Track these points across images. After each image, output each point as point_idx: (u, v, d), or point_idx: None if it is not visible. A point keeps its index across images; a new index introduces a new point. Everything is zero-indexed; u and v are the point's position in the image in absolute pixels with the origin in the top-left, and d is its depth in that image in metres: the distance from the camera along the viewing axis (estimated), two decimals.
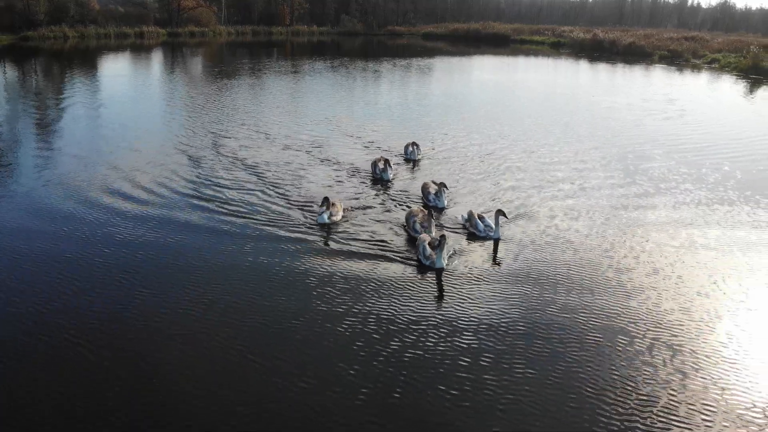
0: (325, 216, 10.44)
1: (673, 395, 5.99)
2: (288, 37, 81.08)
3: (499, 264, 9.06)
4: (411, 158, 15.39)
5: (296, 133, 18.69)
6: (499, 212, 9.61)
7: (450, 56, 56.24)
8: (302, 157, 15.59)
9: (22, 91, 28.47)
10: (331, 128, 19.72)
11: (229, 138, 17.90)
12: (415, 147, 15.49)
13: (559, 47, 67.80)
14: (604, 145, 17.90)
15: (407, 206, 11.30)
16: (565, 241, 10.02)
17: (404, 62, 47.18)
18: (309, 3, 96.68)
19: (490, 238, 9.66)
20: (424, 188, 11.67)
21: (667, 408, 5.79)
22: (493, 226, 9.68)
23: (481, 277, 8.58)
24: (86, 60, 44.37)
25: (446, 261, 8.73)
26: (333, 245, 9.71)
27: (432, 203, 11.30)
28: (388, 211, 11.36)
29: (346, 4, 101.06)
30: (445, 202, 11.34)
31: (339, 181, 13.37)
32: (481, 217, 9.88)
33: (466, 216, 10.22)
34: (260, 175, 13.77)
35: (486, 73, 42.35)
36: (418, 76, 38.45)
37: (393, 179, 13.40)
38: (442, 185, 11.46)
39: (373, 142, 17.55)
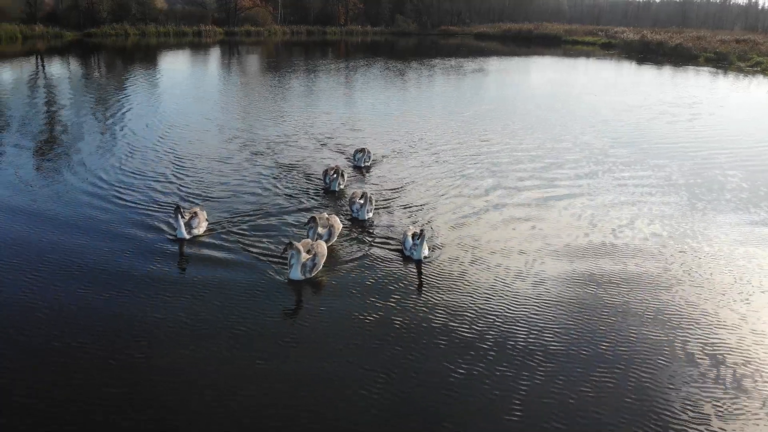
0: (184, 230, 9.41)
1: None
2: (342, 36, 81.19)
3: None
4: (359, 165, 14.34)
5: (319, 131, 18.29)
6: (420, 233, 8.92)
7: (495, 56, 55.13)
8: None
9: (85, 84, 29.09)
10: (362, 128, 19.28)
11: (275, 136, 17.65)
12: (363, 153, 14.45)
13: (609, 48, 66.21)
14: (567, 141, 17.84)
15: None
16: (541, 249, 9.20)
17: (451, 63, 46.52)
18: (364, 3, 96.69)
19: (413, 259, 8.96)
20: (350, 198, 10.95)
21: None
22: (415, 246, 8.92)
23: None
24: (145, 57, 45.27)
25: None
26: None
27: (354, 214, 10.62)
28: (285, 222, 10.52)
29: (401, 4, 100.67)
30: (366, 215, 10.56)
31: (286, 191, 12.31)
32: (414, 235, 9.09)
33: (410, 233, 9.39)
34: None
35: (515, 74, 41.58)
36: (446, 79, 37.65)
37: (342, 188, 12.38)
38: (364, 195, 10.66)
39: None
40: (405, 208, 11.35)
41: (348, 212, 10.81)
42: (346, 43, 68.60)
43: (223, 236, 9.70)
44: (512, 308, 7.60)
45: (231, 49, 55.06)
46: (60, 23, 60.09)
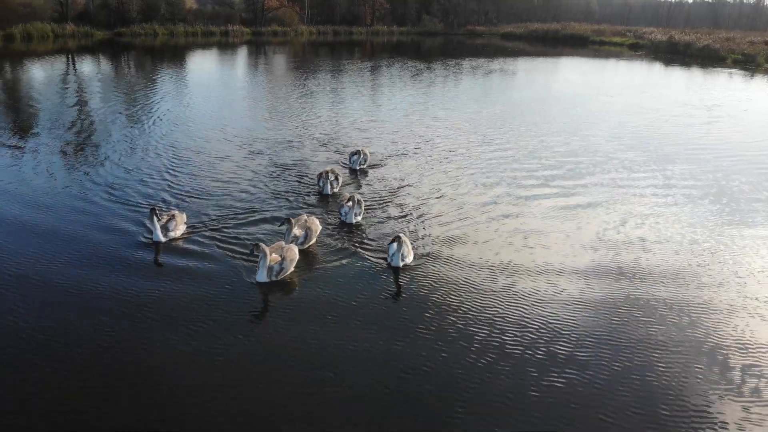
0: (160, 233, 9.32)
1: None
2: (368, 37, 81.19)
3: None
4: (354, 168, 13.91)
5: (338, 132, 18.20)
6: (396, 239, 8.66)
7: (519, 57, 54.65)
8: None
9: (114, 82, 29.47)
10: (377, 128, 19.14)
11: (299, 135, 17.63)
12: (358, 155, 13.96)
13: (636, 49, 65.24)
14: (563, 139, 17.92)
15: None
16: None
17: (473, 63, 46.17)
18: (390, 3, 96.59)
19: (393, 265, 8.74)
20: (340, 202, 10.83)
21: None
22: (396, 252, 8.67)
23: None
24: (173, 56, 45.74)
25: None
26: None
27: (343, 218, 10.49)
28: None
29: (427, 4, 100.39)
30: (354, 219, 10.37)
31: (279, 193, 12.22)
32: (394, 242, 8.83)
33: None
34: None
35: (536, 74, 41.22)
36: (466, 79, 37.30)
37: (336, 192, 12.18)
38: (351, 199, 10.46)
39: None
40: (400, 213, 11.18)
41: (338, 216, 10.70)
42: (372, 44, 68.58)
43: (201, 239, 9.62)
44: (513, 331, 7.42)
45: (257, 49, 55.39)
46: (91, 22, 61.06)
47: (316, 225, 9.72)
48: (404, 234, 9.05)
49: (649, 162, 15.51)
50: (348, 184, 13.02)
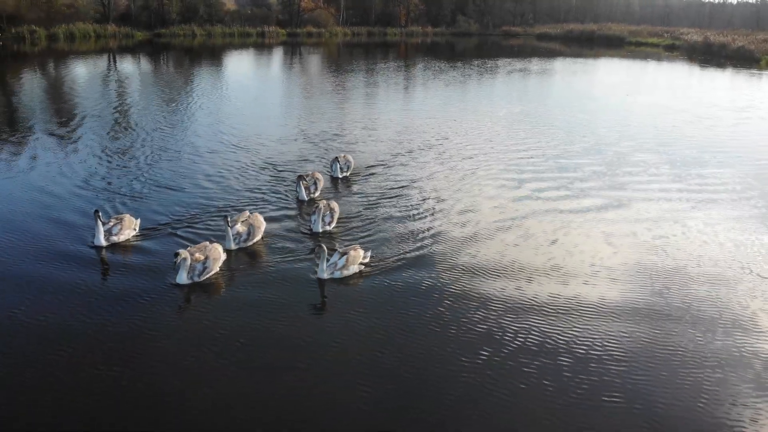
0: (102, 237, 9.09)
1: None
2: (402, 38, 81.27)
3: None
4: (334, 175, 13.16)
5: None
6: (317, 248, 8.42)
7: (550, 58, 53.96)
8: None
9: (153, 81, 30.22)
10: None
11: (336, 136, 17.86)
12: (338, 162, 13.14)
13: (672, 50, 63.88)
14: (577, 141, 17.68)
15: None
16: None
17: (502, 63, 45.84)
18: (425, 4, 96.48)
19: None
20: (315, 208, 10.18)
21: None
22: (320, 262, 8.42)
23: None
24: (210, 57, 46.58)
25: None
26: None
27: (312, 225, 10.05)
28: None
29: (462, 4, 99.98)
30: (320, 227, 9.93)
31: (253, 196, 11.97)
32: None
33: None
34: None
35: (565, 75, 40.72)
36: (494, 80, 37.02)
37: (312, 198, 11.64)
38: (318, 208, 10.00)
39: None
40: (375, 222, 10.68)
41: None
42: (406, 44, 68.65)
43: (148, 243, 9.47)
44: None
45: (292, 50, 55.98)
46: (132, 23, 62.50)
47: (260, 222, 9.58)
48: (320, 246, 8.42)
49: (679, 164, 15.21)
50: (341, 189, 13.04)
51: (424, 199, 11.89)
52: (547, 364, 6.46)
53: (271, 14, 79.39)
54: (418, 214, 11.08)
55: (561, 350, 6.74)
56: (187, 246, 8.81)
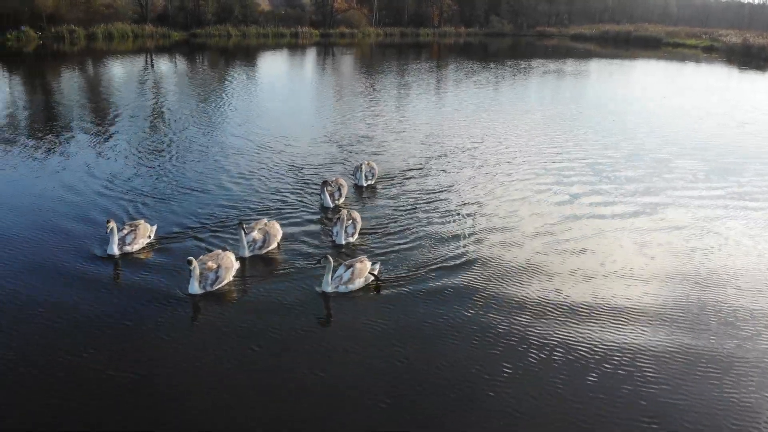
0: (115, 247, 8.81)
1: None
2: (435, 38, 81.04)
3: None
4: (358, 183, 12.73)
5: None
6: (322, 259, 8.08)
7: (584, 59, 53.37)
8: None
9: (189, 81, 30.64)
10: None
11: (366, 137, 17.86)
12: (361, 170, 12.71)
13: (710, 51, 62.46)
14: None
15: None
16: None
17: (535, 64, 45.34)
18: (458, 4, 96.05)
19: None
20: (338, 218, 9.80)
21: None
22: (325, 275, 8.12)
23: None
24: (245, 57, 47.07)
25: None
26: None
27: (333, 237, 9.69)
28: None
29: (496, 5, 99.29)
30: (343, 239, 9.56)
31: (277, 202, 11.68)
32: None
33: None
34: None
35: (602, 76, 40.14)
36: (525, 81, 36.54)
37: (337, 204, 11.37)
38: (340, 218, 9.62)
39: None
40: (400, 233, 10.26)
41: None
42: (439, 45, 68.43)
43: (161, 251, 9.23)
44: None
45: (325, 50, 56.27)
46: (168, 24, 63.51)
47: (276, 230, 9.39)
48: (325, 258, 8.06)
49: (719, 171, 14.81)
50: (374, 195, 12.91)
51: (453, 209, 11.51)
52: (577, 377, 6.33)
53: (305, 15, 79.89)
54: (446, 225, 10.66)
55: (593, 362, 6.59)
56: (201, 253, 8.63)
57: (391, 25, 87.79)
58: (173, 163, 14.45)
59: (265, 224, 9.40)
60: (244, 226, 9.07)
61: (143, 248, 9.18)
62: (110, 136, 16.98)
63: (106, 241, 8.96)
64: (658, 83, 35.85)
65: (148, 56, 43.60)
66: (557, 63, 46.38)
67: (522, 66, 43.08)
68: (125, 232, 9.05)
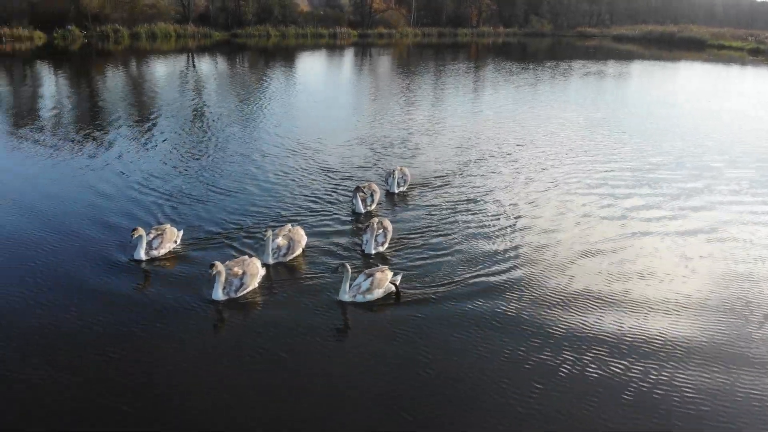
0: (142, 252, 8.77)
1: None
2: (473, 38, 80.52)
3: None
4: (390, 190, 12.40)
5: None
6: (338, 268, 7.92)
7: (626, 60, 52.32)
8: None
9: (229, 81, 31.10)
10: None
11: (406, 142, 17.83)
12: (393, 176, 12.36)
13: (757, 54, 60.68)
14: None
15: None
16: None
17: (575, 66, 44.54)
18: (497, 4, 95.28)
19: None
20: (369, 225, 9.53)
21: None
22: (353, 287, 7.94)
23: None
24: (284, 57, 47.50)
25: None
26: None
27: (364, 246, 9.45)
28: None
29: (536, 4, 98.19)
30: (372, 249, 9.31)
31: (308, 207, 11.48)
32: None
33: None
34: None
35: (644, 79, 39.43)
36: (565, 83, 35.86)
37: (369, 210, 11.17)
38: (370, 226, 9.41)
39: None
40: (433, 243, 9.91)
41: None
42: (477, 45, 67.97)
43: (187, 255, 9.18)
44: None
45: (363, 51, 56.42)
46: (210, 24, 64.53)
47: (301, 236, 9.22)
48: (342, 265, 7.97)
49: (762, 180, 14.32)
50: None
51: (489, 220, 11.07)
52: (614, 406, 6.15)
53: (343, 15, 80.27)
54: (481, 237, 10.22)
55: (636, 391, 6.34)
56: (228, 258, 8.53)
57: (429, 25, 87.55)
58: (207, 164, 14.58)
59: (290, 230, 9.25)
60: (270, 232, 8.87)
61: (169, 252, 9.16)
62: (148, 137, 17.27)
63: (133, 245, 8.98)
64: (704, 87, 34.98)
65: (190, 56, 44.35)
66: (598, 64, 45.57)
67: (562, 67, 42.48)
68: (152, 236, 9.01)
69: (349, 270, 7.81)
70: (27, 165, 14.05)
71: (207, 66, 38.56)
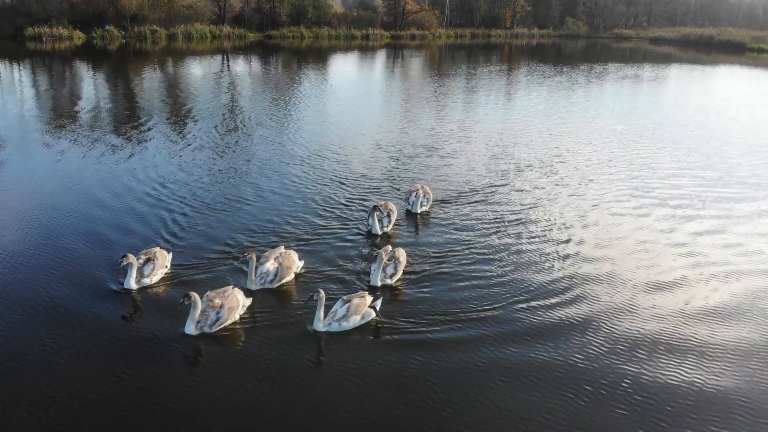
0: (132, 281, 8.02)
1: None
2: (507, 39, 79.94)
3: None
4: (412, 210, 11.57)
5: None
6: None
7: (663, 63, 51.19)
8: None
9: (263, 81, 31.46)
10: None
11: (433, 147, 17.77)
12: (415, 195, 11.57)
13: None
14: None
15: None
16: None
17: (608, 68, 43.74)
18: (532, 5, 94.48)
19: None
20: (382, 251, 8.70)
21: None
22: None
23: None
24: (317, 58, 47.82)
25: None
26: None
27: (371, 275, 8.59)
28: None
29: (571, 6, 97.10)
30: (378, 280, 8.43)
31: (320, 226, 10.61)
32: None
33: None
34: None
35: (682, 83, 38.28)
36: (599, 87, 35.21)
37: (385, 232, 10.36)
38: (378, 256, 8.49)
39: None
40: (452, 276, 8.89)
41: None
42: (511, 47, 67.43)
43: (178, 285, 8.32)
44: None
45: (395, 52, 56.45)
46: (245, 25, 65.36)
47: (292, 261, 8.45)
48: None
49: None
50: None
51: (522, 246, 10.01)
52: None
53: (376, 17, 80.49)
54: (519, 264, 9.26)
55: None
56: (217, 285, 7.97)
57: (462, 26, 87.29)
58: (227, 169, 14.40)
59: (281, 254, 8.48)
60: (254, 256, 8.21)
61: (161, 279, 8.43)
62: (177, 139, 17.45)
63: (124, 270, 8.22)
64: (746, 92, 34.09)
65: (225, 57, 44.93)
66: (635, 68, 44.76)
67: (597, 70, 41.82)
68: (142, 261, 8.27)
69: (323, 297, 7.22)
70: (34, 167, 14.34)
71: (241, 67, 38.99)
